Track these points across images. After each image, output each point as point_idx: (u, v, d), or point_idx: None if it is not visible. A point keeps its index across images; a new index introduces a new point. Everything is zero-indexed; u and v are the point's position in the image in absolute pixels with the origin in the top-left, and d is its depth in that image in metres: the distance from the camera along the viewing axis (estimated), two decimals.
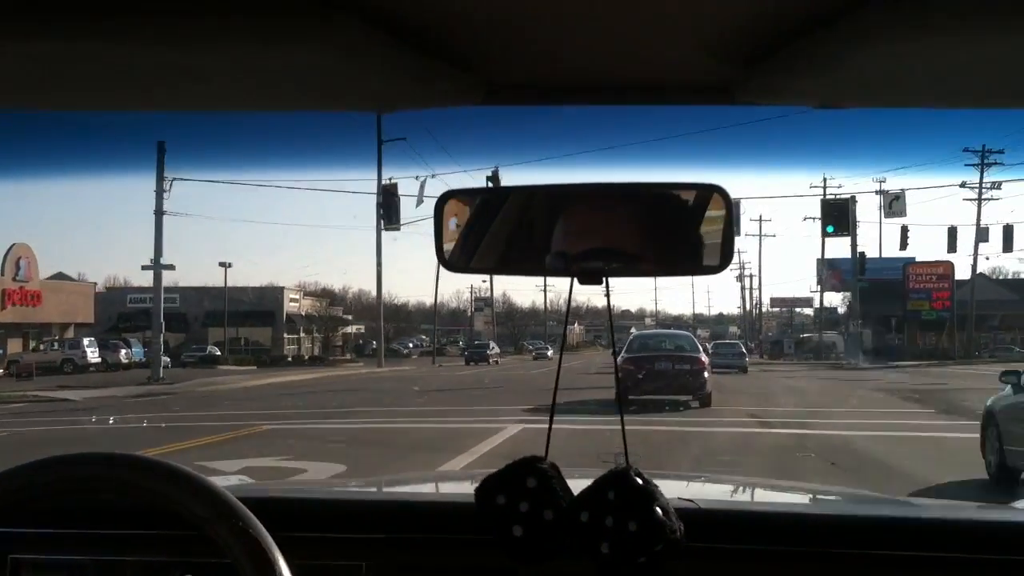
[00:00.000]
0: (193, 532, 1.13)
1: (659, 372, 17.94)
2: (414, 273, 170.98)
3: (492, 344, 63.92)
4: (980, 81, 1.08)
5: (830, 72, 1.05)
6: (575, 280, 1.21)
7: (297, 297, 70.30)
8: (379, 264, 44.83)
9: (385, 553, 1.56)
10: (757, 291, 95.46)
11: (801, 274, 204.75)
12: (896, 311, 57.02)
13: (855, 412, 17.97)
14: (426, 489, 2.59)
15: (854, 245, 51.87)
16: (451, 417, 17.32)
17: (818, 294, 69.59)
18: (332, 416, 18.25)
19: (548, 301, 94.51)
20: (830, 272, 65.44)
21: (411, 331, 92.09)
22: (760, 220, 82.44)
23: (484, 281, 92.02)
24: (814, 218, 56.07)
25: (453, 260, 1.28)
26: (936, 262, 58.48)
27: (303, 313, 68.76)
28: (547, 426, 1.26)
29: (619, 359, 18.68)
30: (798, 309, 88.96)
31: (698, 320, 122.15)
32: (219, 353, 57.46)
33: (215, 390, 29.06)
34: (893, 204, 45.60)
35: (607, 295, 1.26)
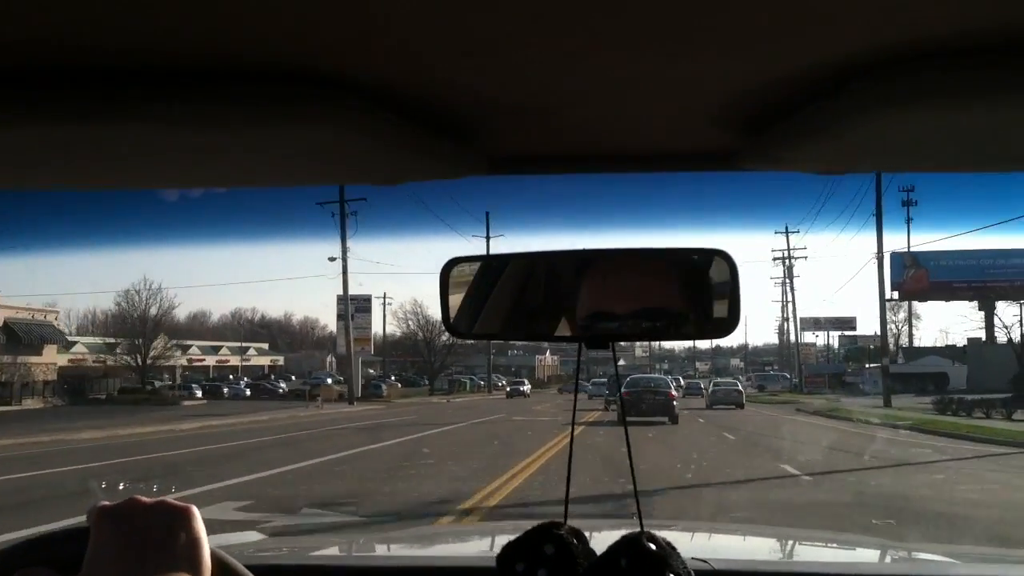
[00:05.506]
0: None
1: (645, 402, 27.85)
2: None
3: (525, 382, 61.55)
4: (978, 146, 1.10)
5: (831, 140, 1.07)
6: (583, 345, 1.23)
7: None
8: None
9: None
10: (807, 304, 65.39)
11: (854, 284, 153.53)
12: None
13: None
14: (442, 551, 2.57)
15: None
16: None
17: (891, 304, 47.20)
18: None
19: None
20: (914, 272, 44.28)
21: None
22: None
23: (361, 285, 72.34)
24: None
25: (458, 325, 1.29)
26: None
27: None
28: None
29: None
30: (850, 333, 69.91)
31: (697, 354, 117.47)
32: None
33: None
34: None
35: (615, 360, 1.28)
